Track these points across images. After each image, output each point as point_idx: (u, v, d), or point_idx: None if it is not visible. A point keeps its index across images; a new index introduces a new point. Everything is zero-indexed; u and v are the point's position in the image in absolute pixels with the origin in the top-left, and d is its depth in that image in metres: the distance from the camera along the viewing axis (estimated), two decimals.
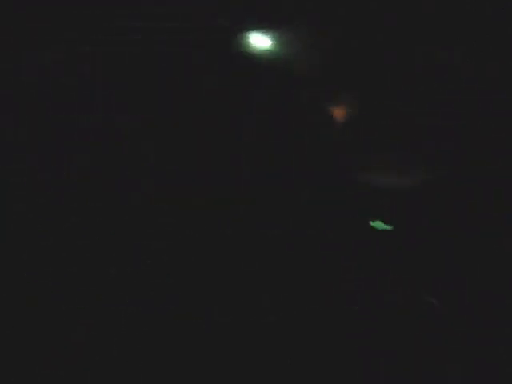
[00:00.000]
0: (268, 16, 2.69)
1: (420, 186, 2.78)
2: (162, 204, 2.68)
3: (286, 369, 2.50)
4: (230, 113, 2.76)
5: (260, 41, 2.68)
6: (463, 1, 2.75)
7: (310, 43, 2.76)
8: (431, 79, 2.77)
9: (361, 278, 2.66)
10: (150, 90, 2.72)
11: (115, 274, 2.58)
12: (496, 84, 2.77)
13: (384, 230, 2.58)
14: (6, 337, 2.44)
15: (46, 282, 2.52)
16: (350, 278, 2.66)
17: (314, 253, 2.69)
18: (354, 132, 2.78)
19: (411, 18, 2.76)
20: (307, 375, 2.49)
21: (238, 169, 2.75)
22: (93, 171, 2.66)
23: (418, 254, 2.69)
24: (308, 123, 2.78)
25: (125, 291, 2.56)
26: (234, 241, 2.68)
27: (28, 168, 2.60)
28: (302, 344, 2.54)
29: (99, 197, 2.64)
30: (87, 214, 2.61)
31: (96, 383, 2.42)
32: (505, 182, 2.74)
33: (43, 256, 2.55)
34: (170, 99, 2.74)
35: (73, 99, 2.66)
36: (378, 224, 2.52)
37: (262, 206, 2.73)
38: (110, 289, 2.56)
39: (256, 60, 2.72)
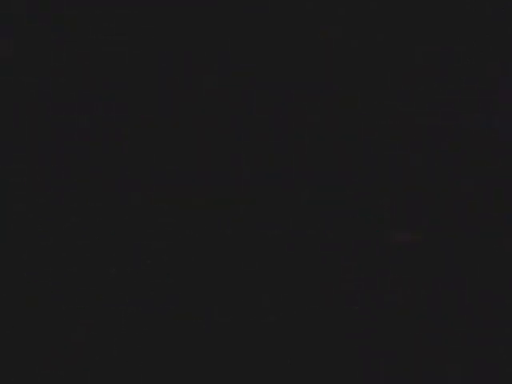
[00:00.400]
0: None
1: (420, 185, 2.77)
2: (162, 204, 2.68)
3: (286, 369, 2.50)
4: (229, 113, 2.76)
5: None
6: (463, 1, 2.75)
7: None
8: (431, 79, 2.77)
9: (361, 278, 2.66)
10: (150, 89, 2.72)
11: (115, 274, 2.58)
12: (496, 84, 2.76)
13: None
14: (6, 337, 2.44)
15: (46, 281, 2.51)
16: (350, 278, 2.66)
17: (314, 253, 2.69)
18: (353, 132, 2.77)
19: (411, 17, 2.76)
20: (307, 375, 2.49)
21: (238, 169, 2.75)
22: (93, 171, 2.66)
23: (418, 254, 2.69)
24: (308, 123, 2.78)
25: (125, 291, 2.56)
26: (234, 241, 2.68)
27: (28, 168, 2.60)
28: (302, 344, 2.54)
29: (99, 197, 2.64)
30: (87, 213, 2.61)
31: (96, 383, 2.42)
32: (505, 182, 2.74)
33: (43, 256, 2.55)
34: (170, 99, 2.74)
35: (73, 99, 2.66)
36: None
37: (262, 205, 2.73)
38: (110, 289, 2.56)
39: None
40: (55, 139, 2.64)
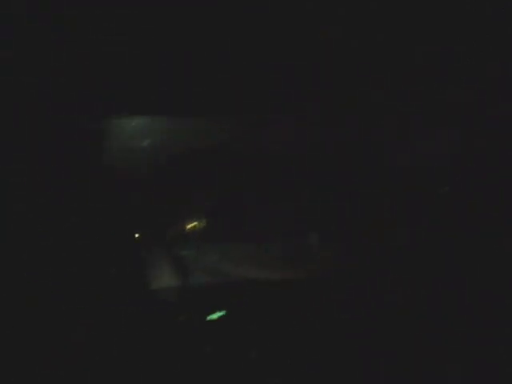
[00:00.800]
0: None
1: (420, 185, 2.78)
2: (162, 204, 2.68)
3: (286, 369, 2.50)
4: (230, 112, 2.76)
5: None
6: (463, 1, 2.75)
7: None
8: (431, 79, 2.77)
9: (361, 278, 2.66)
10: (150, 89, 2.72)
11: (115, 273, 2.58)
12: (496, 84, 2.77)
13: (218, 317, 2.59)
14: (6, 337, 2.44)
15: (46, 281, 2.51)
16: (349, 278, 2.66)
17: (314, 252, 2.69)
18: (353, 132, 2.78)
19: (411, 17, 2.76)
20: (307, 375, 2.49)
21: (238, 169, 2.75)
22: (93, 171, 2.66)
23: (418, 254, 2.69)
24: (308, 123, 2.78)
25: (125, 291, 2.56)
26: (234, 241, 2.68)
27: (28, 168, 2.60)
28: (302, 344, 2.54)
29: (99, 197, 2.64)
30: (87, 213, 2.61)
31: (96, 383, 2.42)
32: (505, 182, 2.74)
33: (43, 256, 2.54)
34: (170, 99, 2.74)
35: (73, 99, 2.66)
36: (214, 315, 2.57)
37: (262, 205, 2.73)
38: (109, 289, 2.56)
39: None
40: (55, 139, 2.63)
